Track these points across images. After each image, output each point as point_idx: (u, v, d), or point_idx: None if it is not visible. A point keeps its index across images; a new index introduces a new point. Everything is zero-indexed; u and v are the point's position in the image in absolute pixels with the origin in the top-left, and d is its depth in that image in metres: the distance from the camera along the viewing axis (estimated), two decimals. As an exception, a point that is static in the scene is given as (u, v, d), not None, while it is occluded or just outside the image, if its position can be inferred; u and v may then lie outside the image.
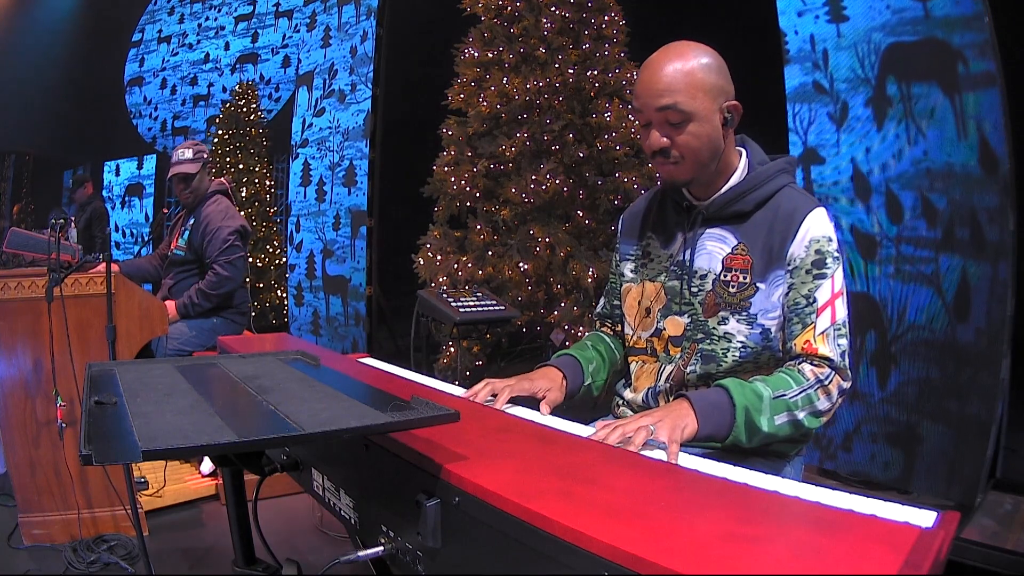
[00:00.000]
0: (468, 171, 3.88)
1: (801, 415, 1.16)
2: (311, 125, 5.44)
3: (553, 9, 3.79)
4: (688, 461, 0.97)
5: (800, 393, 1.16)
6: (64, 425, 2.18)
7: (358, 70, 5.04)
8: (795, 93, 2.84)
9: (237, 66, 7.80)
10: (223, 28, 7.97)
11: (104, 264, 2.17)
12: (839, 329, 1.21)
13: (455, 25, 4.06)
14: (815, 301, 1.21)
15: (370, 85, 4.91)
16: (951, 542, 0.66)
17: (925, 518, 0.71)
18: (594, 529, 0.63)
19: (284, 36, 7.41)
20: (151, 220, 8.03)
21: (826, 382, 1.18)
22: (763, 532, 0.65)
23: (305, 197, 5.44)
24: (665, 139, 1.23)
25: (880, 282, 2.62)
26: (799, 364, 1.20)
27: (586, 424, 1.28)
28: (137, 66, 8.73)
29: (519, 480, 0.76)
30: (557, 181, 3.67)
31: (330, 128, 5.24)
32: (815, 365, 1.19)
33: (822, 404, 1.17)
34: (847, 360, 1.21)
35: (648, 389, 1.34)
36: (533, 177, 3.70)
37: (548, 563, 0.66)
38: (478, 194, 3.90)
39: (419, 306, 2.76)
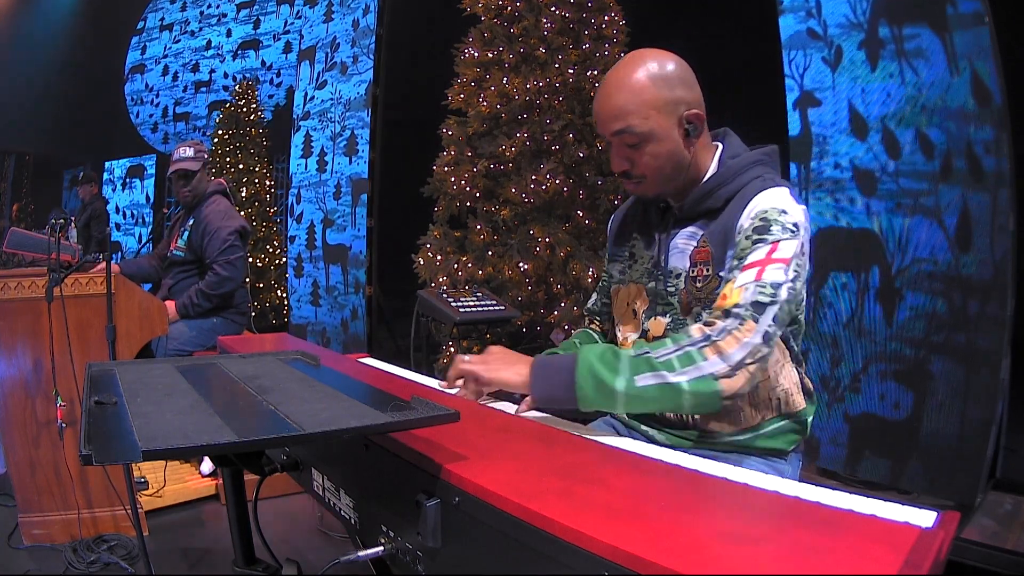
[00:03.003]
0: (468, 171, 3.88)
1: (677, 378, 1.03)
2: (312, 98, 5.46)
3: (553, 9, 3.79)
4: (688, 461, 0.97)
5: (675, 352, 1.04)
6: (64, 425, 2.18)
7: (360, 42, 5.06)
8: (790, 40, 2.92)
9: (239, 52, 7.84)
10: (225, 15, 8.04)
11: (104, 264, 2.17)
12: (763, 287, 1.06)
13: (455, 25, 4.06)
14: (744, 260, 1.11)
15: (371, 56, 4.92)
16: (951, 542, 0.66)
17: (925, 518, 0.71)
18: (594, 529, 0.63)
19: (286, 22, 7.46)
20: (151, 201, 8.06)
21: (717, 338, 1.04)
22: (763, 532, 0.65)
23: (306, 168, 5.46)
24: (625, 162, 1.22)
25: (881, 217, 2.66)
26: (690, 327, 1.10)
27: (585, 424, 1.28)
28: (139, 54, 8.79)
29: (519, 480, 0.76)
30: (557, 181, 3.67)
31: (332, 100, 5.27)
32: (707, 324, 1.07)
33: (714, 365, 1.03)
34: (765, 318, 1.05)
35: None
36: (533, 177, 3.70)
37: (548, 563, 0.66)
38: (478, 194, 3.90)
39: (419, 306, 2.76)
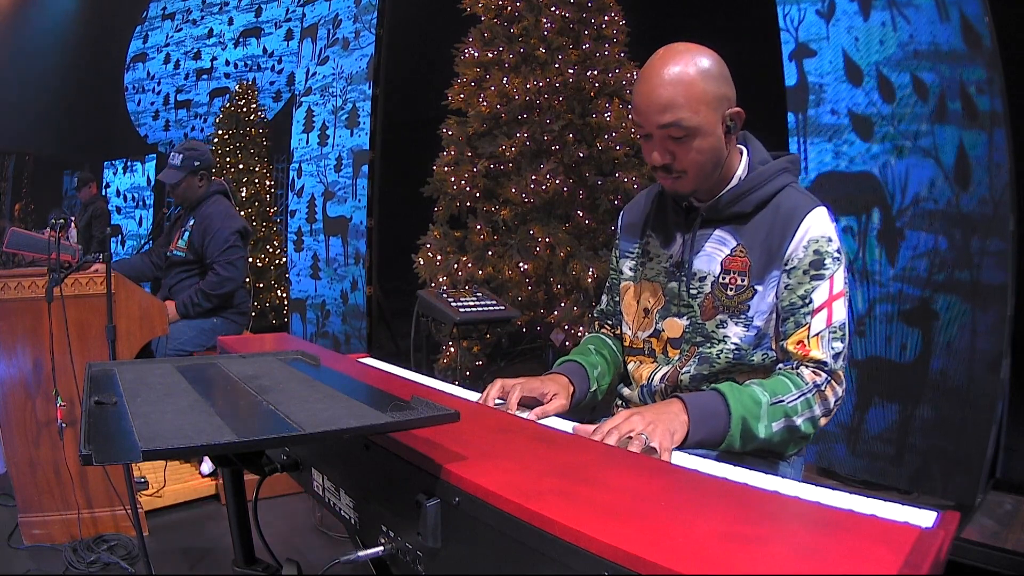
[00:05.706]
0: (468, 171, 3.88)
1: (798, 421, 1.14)
2: (315, 74, 5.48)
3: (553, 9, 3.79)
4: (687, 461, 0.97)
5: (799, 397, 1.15)
6: (64, 425, 2.18)
7: (362, 18, 5.08)
8: None
9: (240, 40, 7.84)
10: (227, 4, 8.07)
11: (100, 263, 2.17)
12: (835, 332, 1.19)
13: (455, 25, 4.07)
14: (811, 302, 1.19)
15: (373, 31, 4.93)
16: (951, 542, 0.66)
17: (925, 518, 0.71)
18: (594, 529, 0.63)
19: (288, 11, 7.46)
20: (152, 183, 8.08)
21: (823, 387, 1.17)
22: (763, 532, 0.65)
23: (307, 143, 5.48)
24: (667, 156, 1.19)
25: (880, 159, 2.69)
26: (798, 368, 1.18)
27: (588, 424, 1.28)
28: (141, 43, 8.80)
29: (519, 480, 0.76)
30: (557, 181, 3.67)
31: (333, 75, 5.29)
32: (812, 370, 1.18)
33: (818, 410, 1.16)
34: (841, 363, 1.20)
35: (642, 387, 1.34)
36: (533, 177, 3.70)
37: (548, 563, 0.66)
38: (478, 194, 3.90)
39: (419, 306, 2.76)
